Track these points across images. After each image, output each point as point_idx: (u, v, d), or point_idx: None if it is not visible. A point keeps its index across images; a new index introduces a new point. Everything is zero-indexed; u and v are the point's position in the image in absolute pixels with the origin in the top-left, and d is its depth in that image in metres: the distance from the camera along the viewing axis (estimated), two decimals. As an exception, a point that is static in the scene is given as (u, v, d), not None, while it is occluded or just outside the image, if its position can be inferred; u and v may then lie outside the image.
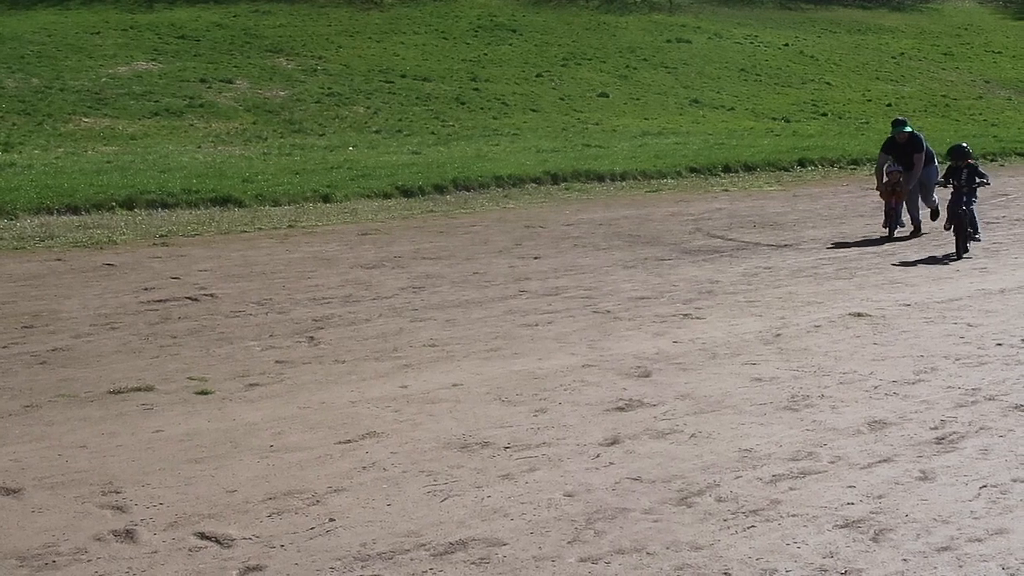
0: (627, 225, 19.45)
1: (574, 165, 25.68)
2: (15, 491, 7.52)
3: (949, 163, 17.82)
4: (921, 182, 19.25)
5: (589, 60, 41.40)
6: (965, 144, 18.44)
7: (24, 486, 7.60)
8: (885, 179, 18.94)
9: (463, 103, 34.67)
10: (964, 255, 16.98)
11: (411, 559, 6.52)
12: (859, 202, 22.95)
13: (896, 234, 18.82)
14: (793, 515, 7.21)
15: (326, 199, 21.55)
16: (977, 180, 17.47)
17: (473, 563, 6.47)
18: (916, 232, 19.27)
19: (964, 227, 17.23)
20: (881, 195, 19.13)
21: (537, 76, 38.64)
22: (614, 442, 8.58)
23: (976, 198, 17.69)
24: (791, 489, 7.65)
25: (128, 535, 6.85)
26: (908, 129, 19.08)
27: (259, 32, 38.94)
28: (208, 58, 35.54)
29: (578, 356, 10.99)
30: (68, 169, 22.84)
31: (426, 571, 6.36)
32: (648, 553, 6.65)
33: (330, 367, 10.58)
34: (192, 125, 29.71)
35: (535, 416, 9.21)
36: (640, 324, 12.25)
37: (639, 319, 12.46)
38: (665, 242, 17.52)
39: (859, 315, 12.83)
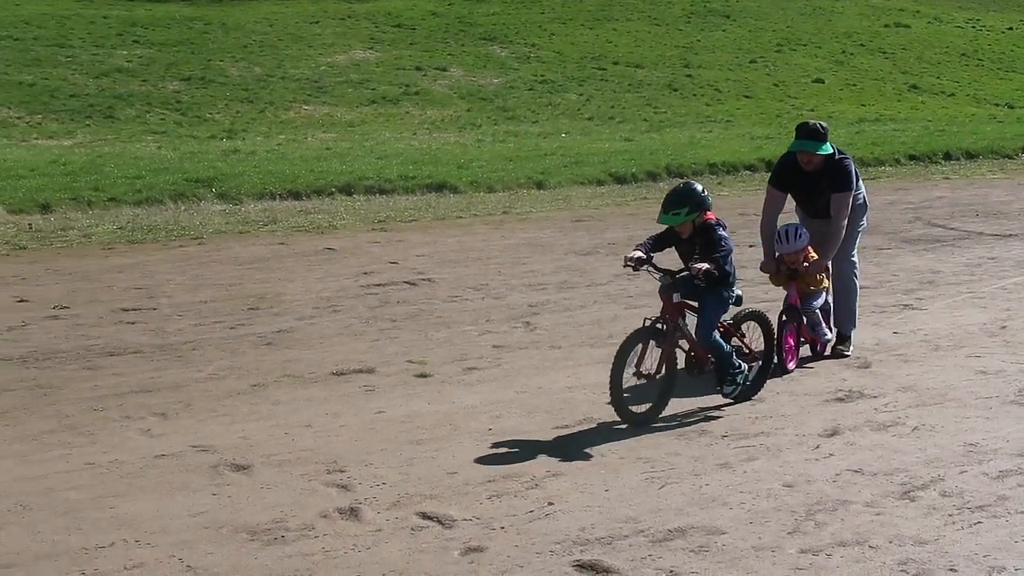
0: (844, 213, 19.08)
1: (789, 152, 25.31)
2: (245, 467, 7.76)
3: (669, 210, 8.84)
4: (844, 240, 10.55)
5: (804, 46, 40.75)
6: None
7: (253, 463, 7.84)
8: (778, 255, 10.33)
9: (675, 90, 34.45)
10: (627, 411, 8.71)
11: (629, 545, 6.54)
12: (1088, 191, 22.14)
13: (827, 349, 10.75)
14: (1021, 512, 7.03)
15: (540, 186, 21.65)
16: (718, 253, 8.74)
17: (692, 551, 6.46)
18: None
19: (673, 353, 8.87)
20: (774, 281, 10.64)
21: (751, 62, 38.19)
22: (834, 433, 8.47)
23: (727, 296, 9.02)
24: (1019, 485, 7.46)
25: (353, 513, 7.02)
26: (826, 148, 10.28)
27: (473, 20, 39.30)
28: (423, 46, 36.01)
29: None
30: (289, 155, 23.40)
31: (645, 557, 6.38)
32: (871, 546, 6.55)
33: (546, 352, 10.66)
34: (408, 112, 30.16)
35: (752, 405, 9.15)
36: (859, 314, 12.01)
37: (858, 309, 12.21)
38: (884, 231, 17.16)
39: (1090, 308, 12.41)
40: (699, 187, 8.87)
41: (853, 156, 11.34)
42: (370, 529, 6.79)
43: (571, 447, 8.18)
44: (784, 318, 10.11)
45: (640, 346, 8.67)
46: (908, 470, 7.74)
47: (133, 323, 11.63)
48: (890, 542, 6.61)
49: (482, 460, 7.90)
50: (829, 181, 10.35)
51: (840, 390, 9.51)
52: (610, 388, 8.58)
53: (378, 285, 13.42)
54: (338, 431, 8.52)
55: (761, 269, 10.56)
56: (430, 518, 6.93)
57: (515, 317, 11.97)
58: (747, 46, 40.01)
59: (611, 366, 8.56)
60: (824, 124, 10.41)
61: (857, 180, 10.64)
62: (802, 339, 10.44)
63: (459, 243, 16.14)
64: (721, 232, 8.83)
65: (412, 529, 6.78)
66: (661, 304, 8.89)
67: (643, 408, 8.70)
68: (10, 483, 7.45)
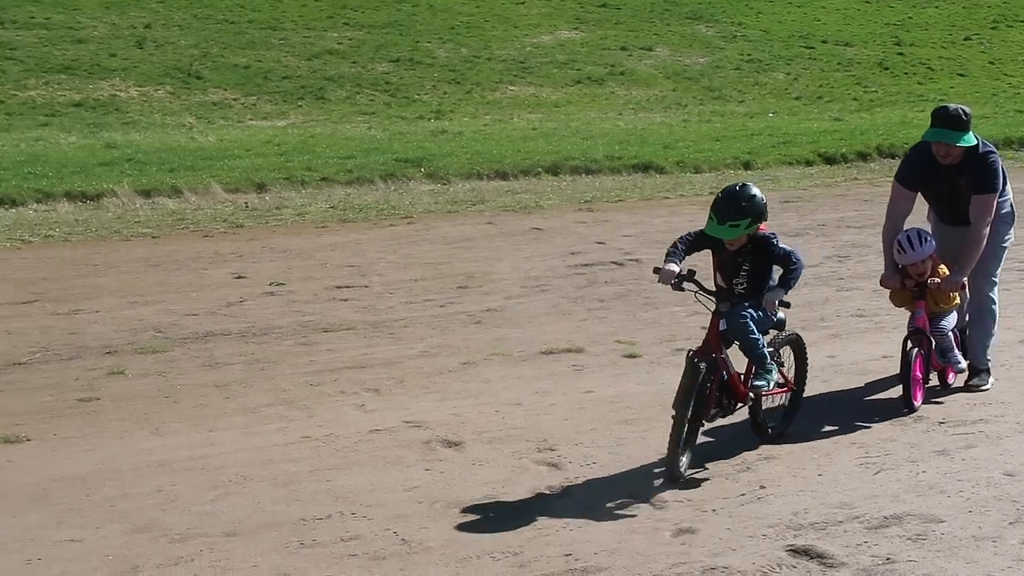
0: (1065, 195, 18.44)
1: (1006, 132, 24.59)
2: (456, 444, 7.86)
3: (726, 220, 7.43)
4: (984, 255, 8.77)
5: (1022, 22, 39.49)
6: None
7: (465, 440, 7.93)
8: (902, 265, 8.71)
9: (886, 68, 33.75)
10: (680, 469, 7.22)
11: (844, 531, 6.43)
12: None
13: (953, 382, 9.05)
14: None
15: (747, 166, 21.45)
16: (790, 274, 7.47)
17: (909, 539, 6.33)
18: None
19: (708, 398, 7.41)
20: (895, 300, 9.01)
21: (965, 39, 37.17)
22: (1057, 421, 8.20)
23: (780, 329, 7.91)
24: None
25: (563, 492, 7.05)
26: (968, 139, 8.54)
27: (679, -1, 39.09)
28: (629, 26, 35.89)
29: (1015, 331, 10.50)
30: (496, 136, 23.59)
31: (860, 544, 6.26)
32: (1098, 539, 6.33)
33: (755, 335, 10.53)
34: (613, 93, 30.12)
35: (970, 392, 8.90)
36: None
37: (995, 338, 11.78)
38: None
39: None
40: (758, 191, 7.46)
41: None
42: (581, 507, 6.80)
43: (782, 430, 8.10)
44: (910, 344, 8.52)
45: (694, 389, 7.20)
46: None
47: (346, 300, 11.88)
48: (1119, 536, 6.38)
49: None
50: (970, 179, 8.62)
51: (1063, 377, 9.20)
52: (670, 443, 7.14)
53: (585, 265, 13.45)
54: (548, 410, 8.57)
55: (882, 284, 8.87)
56: (641, 499, 6.91)
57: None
58: (961, 22, 38.95)
59: (673, 417, 7.12)
60: (967, 109, 8.58)
61: (1005, 183, 8.85)
62: (931, 368, 8.77)
63: (666, 223, 16.06)
64: (784, 246, 7.53)
65: (623, 510, 6.78)
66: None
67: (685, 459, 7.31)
68: (231, 454, 7.68)
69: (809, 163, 21.92)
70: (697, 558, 6.12)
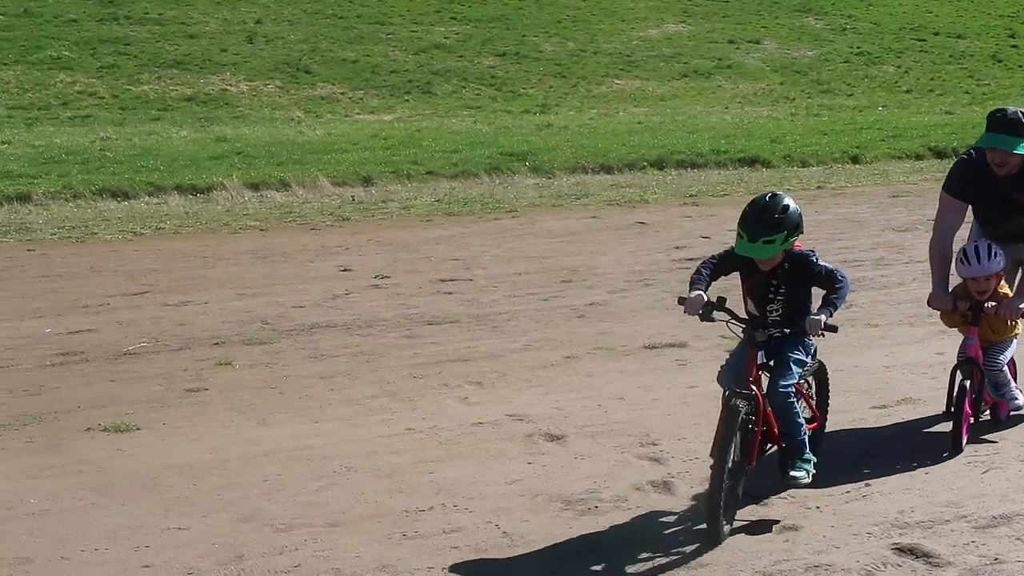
0: None
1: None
2: (559, 438, 7.86)
3: (759, 237, 6.45)
4: None
5: None
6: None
7: (567, 433, 7.93)
8: (963, 279, 7.73)
9: (1000, 61, 33.22)
10: (723, 527, 6.23)
11: (951, 530, 6.33)
12: None
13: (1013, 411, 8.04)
14: None
15: (855, 160, 21.25)
16: (835, 293, 6.53)
17: (1018, 538, 6.21)
18: None
19: (751, 442, 6.50)
20: (947, 321, 7.95)
21: (1082, 31, 36.50)
22: None
23: (810, 345, 6.83)
24: None
25: (665, 487, 7.02)
26: None
27: (788, -8, 38.78)
28: (736, 19, 35.67)
29: None
30: (601, 130, 23.58)
31: (968, 544, 6.16)
32: None
33: (862, 331, 10.43)
34: (720, 86, 29.97)
35: (1083, 392, 8.71)
36: None
37: None
38: None
39: None
40: (792, 201, 6.60)
41: None
42: (682, 503, 6.78)
43: (889, 428, 7.99)
44: (959, 376, 7.50)
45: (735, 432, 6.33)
46: None
47: (450, 293, 11.94)
48: None
49: (796, 438, 7.78)
50: None
51: None
52: (709, 498, 6.24)
53: (690, 259, 13.36)
54: (651, 404, 8.54)
55: (930, 304, 7.82)
56: (744, 495, 6.83)
57: (830, 294, 11.73)
58: (1078, 14, 38.22)
59: (712, 466, 6.22)
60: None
61: None
62: (983, 404, 7.78)
63: (772, 218, 15.94)
64: (825, 264, 6.68)
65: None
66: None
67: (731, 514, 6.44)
68: (336, 445, 7.75)
69: (919, 157, 21.67)
70: (800, 555, 6.06)
